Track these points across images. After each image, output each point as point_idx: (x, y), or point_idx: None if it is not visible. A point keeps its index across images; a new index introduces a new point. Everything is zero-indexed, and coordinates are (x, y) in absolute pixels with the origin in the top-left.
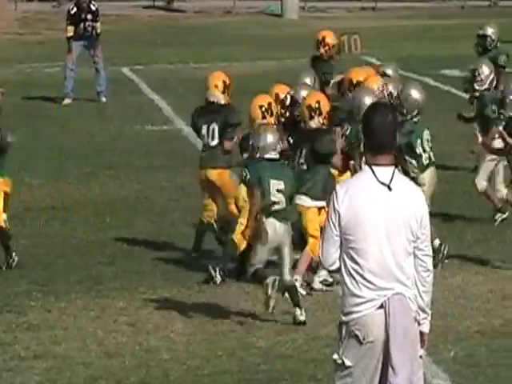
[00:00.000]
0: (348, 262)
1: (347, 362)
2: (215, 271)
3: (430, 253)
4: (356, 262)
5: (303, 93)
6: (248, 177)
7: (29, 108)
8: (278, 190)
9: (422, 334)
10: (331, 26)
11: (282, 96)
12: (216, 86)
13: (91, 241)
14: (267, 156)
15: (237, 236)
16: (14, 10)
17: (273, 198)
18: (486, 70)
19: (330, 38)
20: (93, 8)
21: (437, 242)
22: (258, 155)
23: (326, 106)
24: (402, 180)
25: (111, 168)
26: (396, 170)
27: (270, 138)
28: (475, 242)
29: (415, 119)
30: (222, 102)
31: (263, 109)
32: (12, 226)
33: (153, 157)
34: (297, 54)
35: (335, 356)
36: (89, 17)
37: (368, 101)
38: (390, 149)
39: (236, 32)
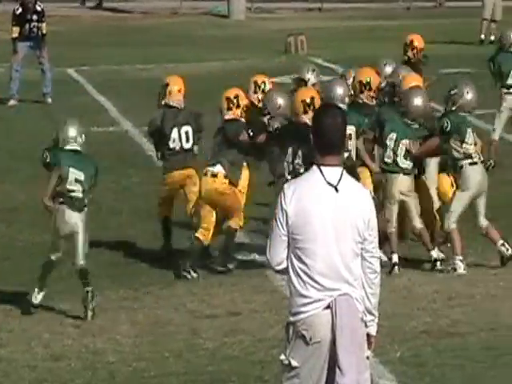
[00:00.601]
0: (295, 262)
1: (294, 363)
2: (187, 270)
3: (378, 254)
4: (303, 263)
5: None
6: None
7: None
8: (77, 180)
9: (369, 335)
10: (278, 26)
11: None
12: (179, 91)
13: (37, 243)
14: (68, 147)
15: (201, 232)
16: None
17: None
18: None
19: (418, 42)
20: (38, 9)
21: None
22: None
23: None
24: (349, 181)
25: None
26: (344, 171)
27: (72, 130)
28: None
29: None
30: (183, 105)
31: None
32: None
33: (99, 158)
34: (243, 55)
35: (282, 357)
36: (34, 17)
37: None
38: (339, 149)
39: (182, 33)
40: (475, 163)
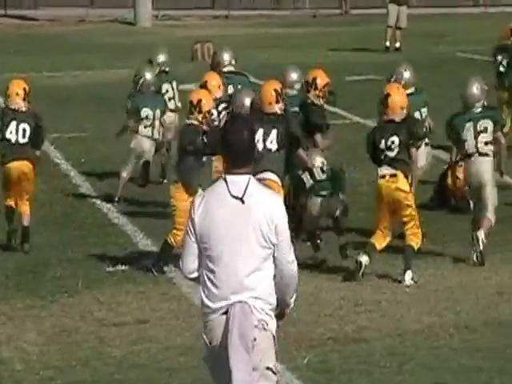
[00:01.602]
0: (204, 271)
1: (206, 363)
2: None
3: (291, 258)
4: (210, 270)
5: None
6: None
7: None
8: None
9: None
10: (185, 34)
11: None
12: (17, 94)
13: None
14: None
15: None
16: None
17: None
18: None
19: (321, 78)
20: None
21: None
22: None
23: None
24: (256, 189)
25: None
26: (251, 179)
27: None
28: (328, 249)
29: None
30: (24, 109)
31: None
32: None
33: None
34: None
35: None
36: None
37: None
38: (247, 163)
39: (90, 40)
40: (469, 156)
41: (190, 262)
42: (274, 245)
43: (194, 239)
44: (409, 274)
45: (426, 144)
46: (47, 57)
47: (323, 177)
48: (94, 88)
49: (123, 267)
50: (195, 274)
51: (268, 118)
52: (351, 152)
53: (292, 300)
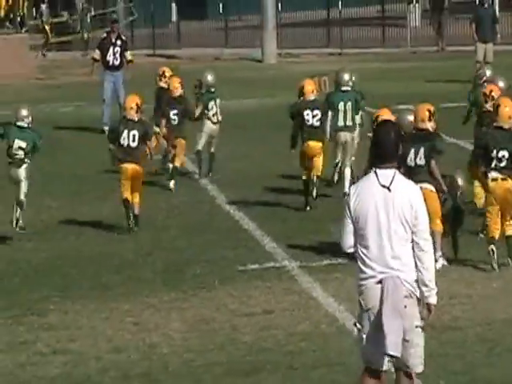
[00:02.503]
0: (359, 247)
1: (358, 326)
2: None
3: (428, 237)
4: (364, 246)
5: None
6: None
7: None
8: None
9: (428, 305)
10: (305, 69)
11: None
12: (131, 108)
13: (101, 252)
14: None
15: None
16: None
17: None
18: None
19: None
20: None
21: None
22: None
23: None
24: (401, 180)
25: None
26: (397, 172)
27: (22, 111)
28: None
29: None
30: (135, 119)
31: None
32: (34, 241)
33: None
34: (275, 93)
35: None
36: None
37: None
38: (393, 159)
39: (225, 75)
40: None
41: (348, 239)
42: (414, 226)
43: (350, 220)
44: None
45: None
46: None
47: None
48: (227, 115)
49: (252, 266)
50: (352, 249)
51: (418, 134)
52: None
53: (432, 284)
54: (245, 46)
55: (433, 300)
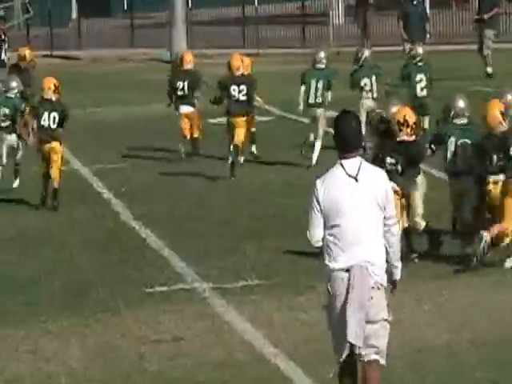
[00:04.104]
0: (328, 238)
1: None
2: None
3: (396, 220)
4: (333, 236)
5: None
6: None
7: None
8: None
9: (394, 281)
10: (221, 72)
11: None
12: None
13: None
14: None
15: None
16: None
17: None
18: None
19: None
20: None
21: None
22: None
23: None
24: (366, 168)
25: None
26: (362, 160)
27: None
28: None
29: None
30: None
31: None
32: None
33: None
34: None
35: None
36: None
37: None
38: (357, 148)
39: (129, 78)
40: None
41: (317, 232)
42: (385, 210)
43: (318, 213)
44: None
45: None
46: (92, 93)
47: None
48: (132, 122)
49: (161, 288)
50: (320, 243)
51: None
52: None
53: (399, 263)
54: (153, 46)
55: (398, 276)
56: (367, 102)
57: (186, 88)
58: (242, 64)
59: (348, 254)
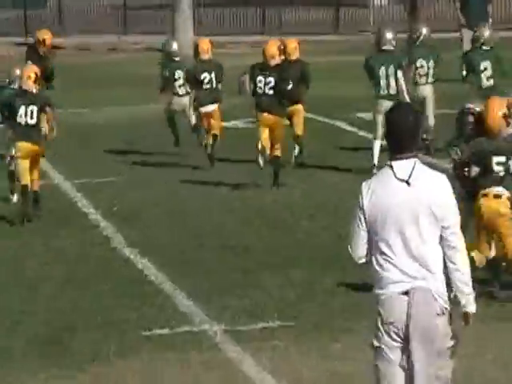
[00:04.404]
0: (376, 255)
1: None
2: None
3: (461, 236)
4: (383, 253)
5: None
6: None
7: None
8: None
9: (466, 314)
10: (237, 63)
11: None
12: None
13: None
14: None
15: None
16: None
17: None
18: None
19: None
20: None
21: None
22: None
23: None
24: (422, 171)
25: None
26: (417, 162)
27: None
28: None
29: None
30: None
31: None
32: None
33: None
34: None
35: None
36: None
37: None
38: (411, 148)
39: (121, 71)
40: None
41: (360, 249)
42: (442, 220)
43: (363, 225)
44: None
45: None
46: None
47: None
48: (125, 126)
49: (161, 331)
50: (364, 260)
51: None
52: None
53: (470, 290)
54: (151, 32)
55: (471, 308)
56: (423, 90)
57: (213, 81)
58: (278, 52)
59: (402, 271)
